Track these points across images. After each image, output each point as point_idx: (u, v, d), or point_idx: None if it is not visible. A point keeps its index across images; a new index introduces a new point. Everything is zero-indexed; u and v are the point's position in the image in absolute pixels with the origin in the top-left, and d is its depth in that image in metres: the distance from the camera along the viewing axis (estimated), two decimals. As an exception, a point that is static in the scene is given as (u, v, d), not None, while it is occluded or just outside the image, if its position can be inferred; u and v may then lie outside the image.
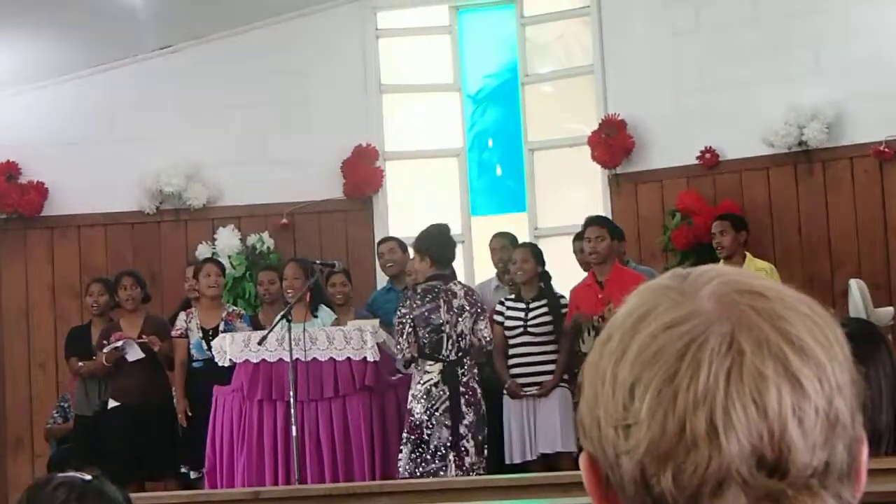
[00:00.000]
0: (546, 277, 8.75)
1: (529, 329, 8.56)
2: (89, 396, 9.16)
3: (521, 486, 5.72)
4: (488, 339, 7.84)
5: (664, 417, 1.02)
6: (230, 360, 8.17)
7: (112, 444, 8.63)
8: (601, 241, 8.46)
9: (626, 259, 9.07)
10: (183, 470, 8.80)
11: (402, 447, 7.67)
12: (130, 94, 10.55)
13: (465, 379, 7.67)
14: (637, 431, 1.03)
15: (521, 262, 8.67)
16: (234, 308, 9.25)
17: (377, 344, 8.01)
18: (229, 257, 10.10)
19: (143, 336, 8.85)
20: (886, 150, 9.31)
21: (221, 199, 10.61)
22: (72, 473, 2.53)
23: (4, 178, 10.39)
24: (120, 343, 8.79)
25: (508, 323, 8.59)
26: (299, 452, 7.73)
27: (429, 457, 7.54)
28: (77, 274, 10.45)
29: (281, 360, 8.01)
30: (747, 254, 8.99)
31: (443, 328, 7.66)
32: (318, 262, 8.77)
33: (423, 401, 7.60)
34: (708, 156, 9.90)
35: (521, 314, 8.57)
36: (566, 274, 9.21)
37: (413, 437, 7.62)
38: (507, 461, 8.37)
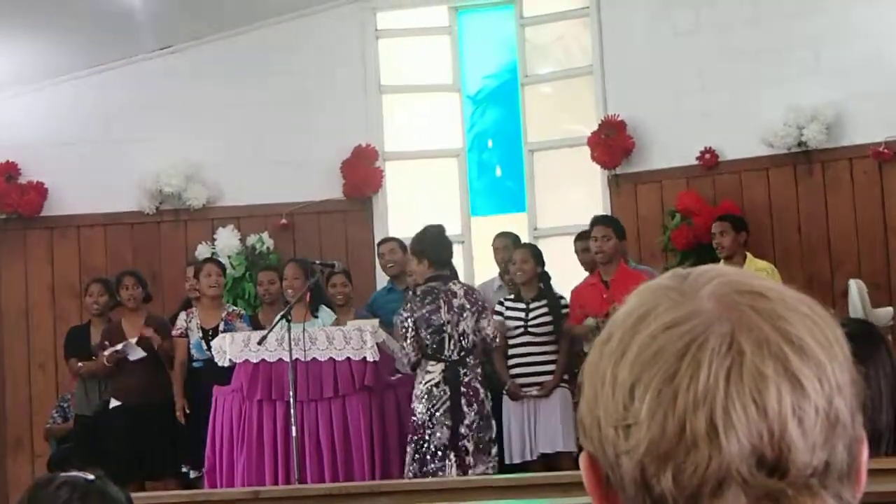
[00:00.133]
0: (545, 278, 8.76)
1: (530, 329, 8.57)
2: (89, 396, 9.17)
3: (520, 486, 5.72)
4: (492, 336, 7.84)
5: (664, 417, 1.02)
6: (230, 360, 8.17)
7: (113, 444, 8.63)
8: (607, 240, 8.48)
9: (626, 259, 9.07)
10: (183, 469, 8.81)
11: (407, 447, 7.68)
12: (130, 95, 10.54)
13: (466, 379, 7.66)
14: (637, 431, 1.03)
15: (520, 263, 8.68)
16: (234, 308, 9.25)
17: (377, 344, 8.01)
18: (229, 257, 10.09)
19: (144, 332, 8.84)
20: (886, 150, 9.31)
21: (221, 199, 10.61)
22: (74, 473, 2.54)
23: (4, 179, 10.39)
24: (120, 346, 8.80)
25: (508, 323, 8.59)
26: (299, 452, 7.73)
27: (429, 457, 7.54)
28: (77, 274, 10.45)
29: (280, 360, 8.01)
30: (748, 254, 8.98)
31: (444, 329, 7.66)
32: (317, 262, 8.77)
33: (424, 401, 7.61)
34: (707, 156, 9.90)
35: (522, 314, 8.58)
36: (566, 274, 9.22)
37: (416, 437, 7.63)
38: (507, 461, 8.37)
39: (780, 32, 9.74)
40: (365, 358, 8.00)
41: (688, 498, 1.02)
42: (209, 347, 8.64)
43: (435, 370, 7.65)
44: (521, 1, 10.95)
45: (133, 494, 2.77)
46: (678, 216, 9.74)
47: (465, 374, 7.66)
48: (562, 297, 8.81)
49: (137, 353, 8.81)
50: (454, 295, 7.74)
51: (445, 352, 7.66)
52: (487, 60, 11.23)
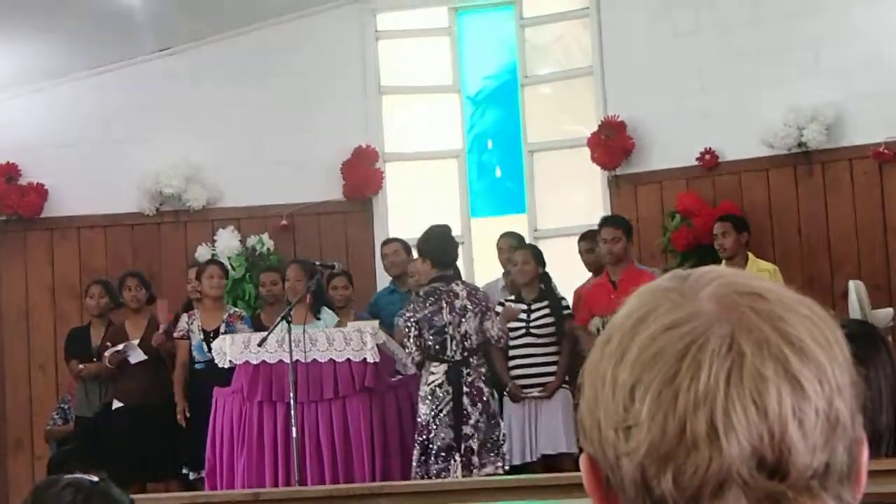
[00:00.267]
0: (546, 279, 8.77)
1: (532, 330, 8.58)
2: (89, 398, 9.16)
3: (521, 488, 5.72)
4: (497, 336, 7.83)
5: (664, 419, 1.02)
6: (230, 361, 8.16)
7: (115, 445, 8.64)
8: (616, 241, 8.50)
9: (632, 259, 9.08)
10: (183, 471, 8.81)
11: (414, 448, 7.69)
12: (130, 96, 10.55)
13: (470, 379, 7.66)
14: (637, 433, 1.03)
15: (521, 264, 8.69)
16: (236, 310, 9.25)
17: (377, 345, 8.01)
18: (229, 258, 10.09)
19: (156, 336, 8.85)
20: (886, 151, 9.31)
21: (221, 200, 10.61)
22: (79, 475, 2.54)
23: (4, 180, 10.39)
24: (121, 346, 8.80)
25: (510, 324, 8.59)
26: (299, 454, 7.73)
27: (432, 458, 7.54)
28: (77, 275, 10.45)
29: (281, 361, 8.01)
30: (750, 255, 8.96)
31: (446, 330, 7.66)
32: (317, 263, 8.77)
33: (428, 402, 7.62)
34: (707, 157, 9.90)
35: (524, 315, 8.58)
36: (566, 275, 9.22)
37: (421, 438, 7.64)
38: (508, 462, 8.37)
39: (779, 33, 9.74)
40: (365, 359, 7.99)
41: (688, 499, 1.02)
42: (210, 349, 8.64)
43: (438, 371, 7.65)
44: (521, 2, 10.96)
45: (133, 496, 2.77)
46: (678, 217, 9.73)
47: (468, 375, 7.65)
48: (563, 298, 8.82)
49: (138, 356, 8.81)
50: (456, 296, 7.74)
51: (448, 352, 7.66)
52: (487, 61, 11.23)
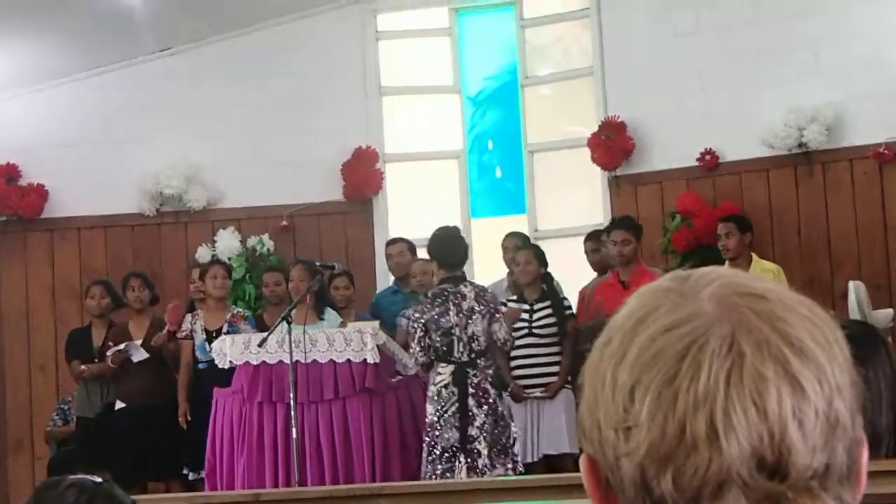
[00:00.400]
0: (549, 279, 8.79)
1: (535, 330, 8.58)
2: (91, 398, 9.15)
3: (521, 489, 5.72)
4: (503, 339, 7.84)
5: (664, 419, 1.02)
6: (230, 361, 8.16)
7: (117, 446, 8.64)
8: (627, 244, 8.50)
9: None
10: (184, 472, 8.81)
11: (422, 448, 7.70)
12: (130, 97, 10.55)
13: (476, 380, 7.65)
14: (637, 434, 1.03)
15: (524, 264, 8.71)
16: (239, 310, 9.25)
17: (377, 346, 8.01)
18: (229, 259, 10.09)
19: (158, 337, 8.85)
20: (886, 151, 9.31)
21: (221, 201, 10.62)
22: (82, 476, 2.54)
23: (4, 181, 10.40)
24: (123, 346, 8.80)
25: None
26: (299, 454, 7.72)
27: (436, 458, 7.55)
28: (77, 276, 10.45)
29: (281, 361, 8.01)
30: (753, 255, 8.94)
31: (452, 331, 7.67)
32: (317, 263, 8.77)
33: (434, 402, 7.63)
34: (708, 157, 9.90)
35: (526, 315, 8.59)
36: (566, 276, 9.23)
37: (427, 438, 7.65)
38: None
39: (780, 33, 9.74)
40: (365, 360, 7.99)
41: (688, 500, 1.02)
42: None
43: (445, 372, 7.66)
44: (521, 2, 10.96)
45: (136, 496, 2.78)
46: (678, 217, 9.73)
47: (474, 376, 7.65)
48: (565, 298, 8.84)
49: (141, 355, 8.81)
50: (464, 297, 7.74)
51: (455, 354, 7.67)
52: (487, 62, 11.24)
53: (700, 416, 1.01)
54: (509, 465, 7.62)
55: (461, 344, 7.65)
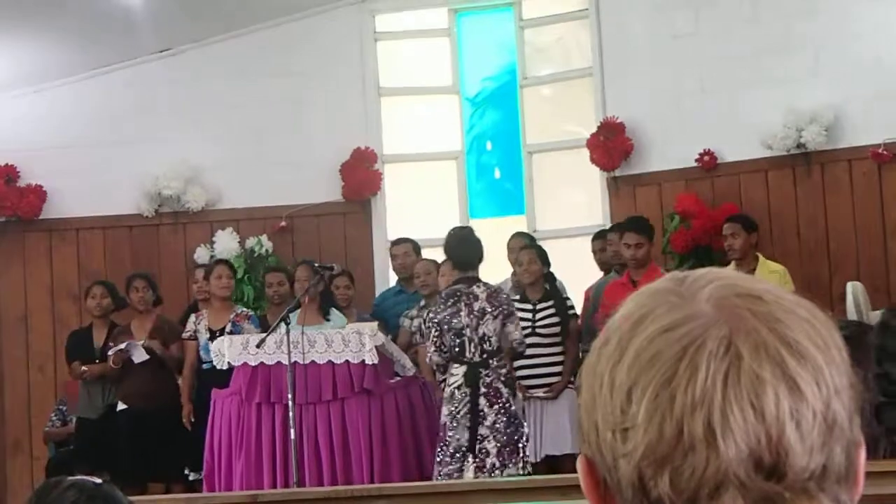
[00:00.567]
0: (551, 279, 8.81)
1: (538, 330, 8.59)
2: (92, 399, 9.13)
3: (520, 489, 5.72)
4: (519, 339, 7.85)
5: (661, 421, 1.02)
6: (228, 362, 8.16)
7: (118, 447, 8.64)
8: (640, 247, 8.50)
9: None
10: (186, 472, 8.81)
11: (436, 448, 7.72)
12: (129, 98, 10.55)
13: (488, 380, 7.67)
14: (634, 435, 1.03)
15: (527, 264, 8.72)
16: (243, 310, 9.26)
17: (375, 347, 8.01)
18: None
19: (147, 339, 8.85)
20: (885, 152, 9.31)
21: (220, 201, 10.61)
22: (82, 477, 2.55)
23: (3, 181, 10.39)
24: (124, 345, 8.79)
25: None
26: (298, 455, 7.73)
27: (447, 458, 7.57)
28: (75, 277, 10.45)
29: (279, 363, 8.00)
30: (759, 256, 8.91)
31: (464, 332, 7.69)
32: (316, 264, 8.78)
33: (448, 403, 7.66)
34: (706, 158, 9.90)
35: (529, 315, 8.60)
36: (565, 276, 9.23)
37: (441, 439, 7.67)
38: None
39: (778, 34, 9.74)
40: (364, 361, 7.99)
41: (685, 501, 1.02)
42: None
43: (458, 373, 7.69)
44: (521, 3, 10.96)
45: (134, 497, 2.78)
46: (677, 218, 9.73)
47: (486, 375, 7.67)
48: (568, 298, 8.85)
49: (142, 356, 8.81)
50: (475, 298, 7.76)
51: (467, 354, 7.69)
52: (486, 62, 11.24)
53: (697, 417, 1.01)
54: (520, 465, 7.64)
55: (472, 344, 7.68)
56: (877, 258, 9.43)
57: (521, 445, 7.67)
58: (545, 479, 6.31)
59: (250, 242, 10.37)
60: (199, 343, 8.91)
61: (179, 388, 9.06)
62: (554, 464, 8.39)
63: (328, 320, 8.64)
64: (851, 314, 8.02)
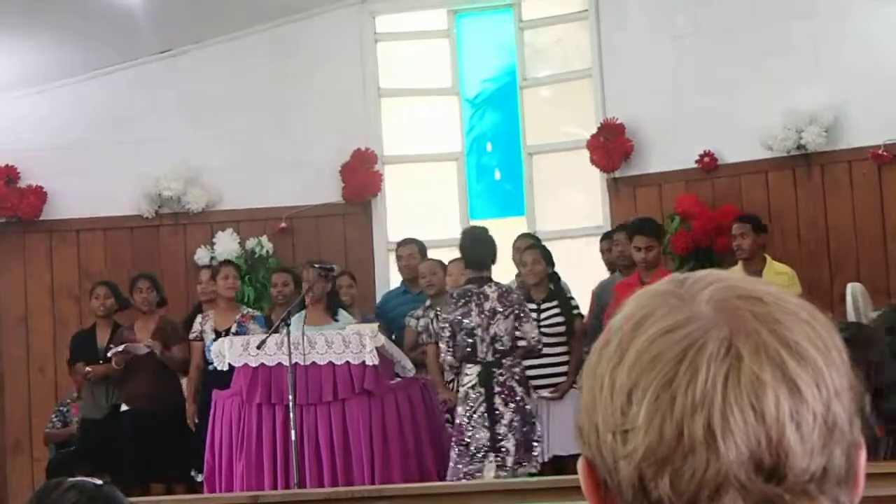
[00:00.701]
0: (555, 279, 8.81)
1: (542, 330, 8.59)
2: (96, 400, 9.12)
3: (522, 490, 5.72)
4: (536, 338, 7.86)
5: (662, 422, 1.02)
6: (229, 364, 8.15)
7: (122, 448, 8.64)
8: (650, 250, 8.49)
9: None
10: (191, 473, 8.80)
11: (451, 450, 7.73)
12: (130, 98, 10.55)
13: (502, 379, 7.70)
14: (635, 437, 1.03)
15: (531, 264, 8.73)
16: (249, 310, 9.26)
17: (376, 348, 8.00)
18: (228, 261, 10.09)
19: (149, 340, 8.85)
20: (885, 153, 9.32)
21: (220, 202, 10.62)
22: (82, 478, 2.55)
23: (3, 182, 10.39)
24: (121, 347, 8.79)
25: None
26: (298, 456, 7.72)
27: (468, 458, 7.59)
28: (76, 278, 10.45)
29: (280, 364, 8.00)
30: (767, 257, 8.89)
31: (475, 332, 7.70)
32: (316, 265, 8.77)
33: (463, 404, 7.67)
34: (707, 159, 9.90)
35: (533, 315, 8.59)
36: (564, 277, 9.21)
37: (456, 439, 7.68)
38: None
39: (778, 35, 9.74)
40: (364, 362, 7.99)
41: (686, 503, 1.02)
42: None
43: (472, 373, 7.72)
44: (520, 4, 10.96)
45: (134, 498, 2.79)
46: (677, 219, 9.73)
47: (500, 374, 7.69)
48: (572, 298, 8.85)
49: (142, 349, 8.81)
50: (486, 298, 7.78)
51: (479, 354, 7.70)
52: (486, 64, 11.24)
53: (697, 418, 1.01)
54: (534, 464, 7.66)
55: (484, 344, 7.70)
56: (877, 259, 9.43)
57: (534, 444, 7.70)
58: (545, 481, 6.31)
59: (251, 243, 10.37)
60: (205, 344, 8.91)
61: (183, 390, 9.06)
62: (560, 464, 8.39)
63: (336, 321, 8.64)
64: (851, 316, 8.02)
